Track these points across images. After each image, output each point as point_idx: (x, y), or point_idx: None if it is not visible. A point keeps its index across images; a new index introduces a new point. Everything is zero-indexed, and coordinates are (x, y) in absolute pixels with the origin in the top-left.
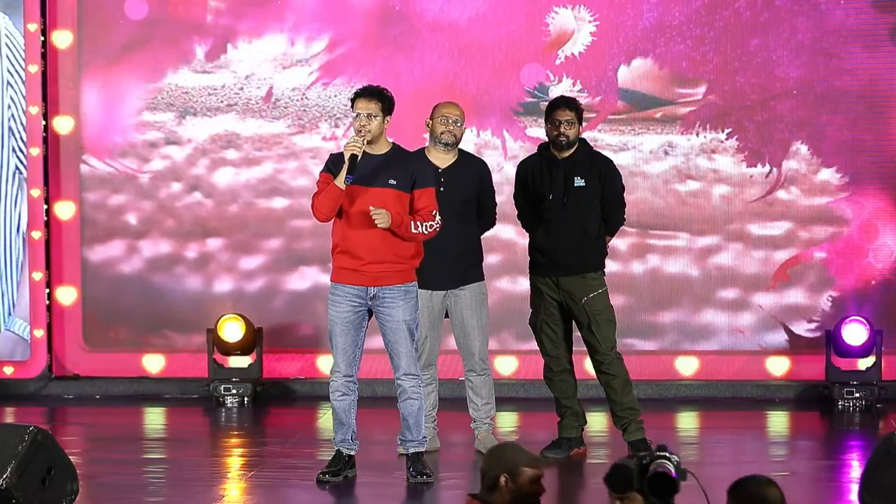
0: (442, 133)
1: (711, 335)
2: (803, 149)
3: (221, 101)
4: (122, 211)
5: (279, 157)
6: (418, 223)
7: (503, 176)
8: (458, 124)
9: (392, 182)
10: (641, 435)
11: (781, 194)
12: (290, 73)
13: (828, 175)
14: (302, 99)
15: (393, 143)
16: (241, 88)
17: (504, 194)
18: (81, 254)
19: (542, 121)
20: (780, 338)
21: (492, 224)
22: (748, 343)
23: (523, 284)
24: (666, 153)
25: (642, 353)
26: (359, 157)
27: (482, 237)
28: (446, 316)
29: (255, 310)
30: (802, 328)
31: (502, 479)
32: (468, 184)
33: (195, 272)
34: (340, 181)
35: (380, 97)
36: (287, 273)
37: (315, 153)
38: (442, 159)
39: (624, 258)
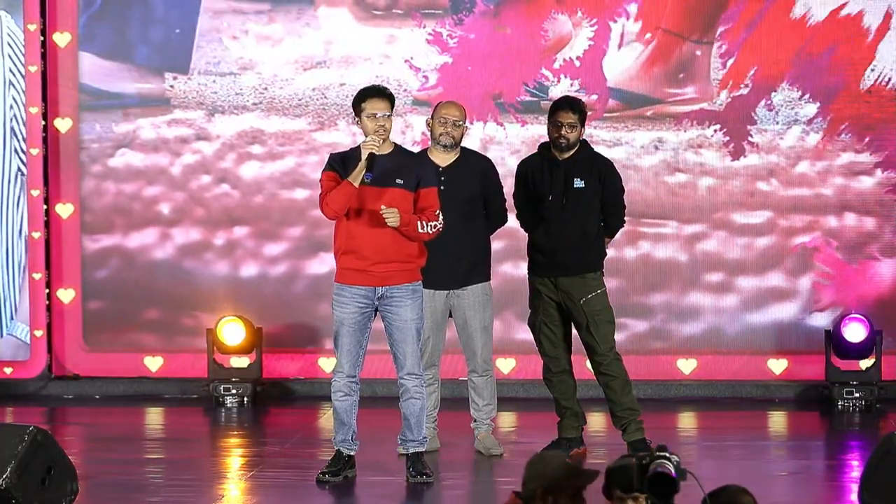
0: (440, 134)
1: (697, 314)
2: (783, 143)
3: (247, 100)
4: (156, 201)
5: (300, 151)
6: (423, 223)
7: (506, 169)
8: (458, 125)
9: (399, 182)
10: (641, 435)
11: (762, 185)
12: (311, 74)
13: (805, 167)
14: (322, 98)
15: (395, 143)
16: (266, 88)
17: (507, 185)
18: (84, 247)
19: (542, 118)
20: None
21: (502, 221)
22: (748, 342)
23: (525, 268)
24: (656, 148)
25: (642, 353)
26: (376, 156)
27: (494, 234)
28: (450, 315)
29: (257, 309)
30: (800, 323)
31: (540, 492)
32: (470, 182)
33: (222, 258)
34: (356, 179)
35: (391, 98)
36: (308, 258)
37: (334, 148)
38: (443, 158)
39: (617, 244)
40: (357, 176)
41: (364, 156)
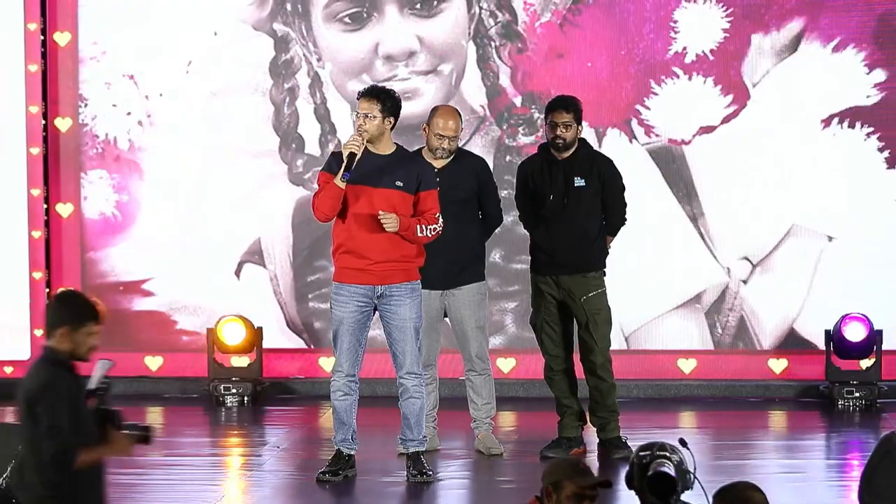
0: (437, 148)
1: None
2: (771, 141)
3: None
4: (156, 199)
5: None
6: (423, 226)
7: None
8: (455, 138)
9: (399, 184)
10: (618, 433)
11: (749, 179)
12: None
13: (806, 165)
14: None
15: (397, 145)
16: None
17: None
18: (84, 246)
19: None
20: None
21: (498, 221)
22: (748, 342)
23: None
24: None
25: (642, 353)
26: (357, 156)
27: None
28: (445, 315)
29: (257, 309)
30: (800, 322)
31: (547, 490)
32: (465, 183)
33: (223, 258)
34: (339, 179)
35: (380, 98)
36: (310, 258)
37: None
38: (438, 160)
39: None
40: (338, 176)
41: (345, 154)
